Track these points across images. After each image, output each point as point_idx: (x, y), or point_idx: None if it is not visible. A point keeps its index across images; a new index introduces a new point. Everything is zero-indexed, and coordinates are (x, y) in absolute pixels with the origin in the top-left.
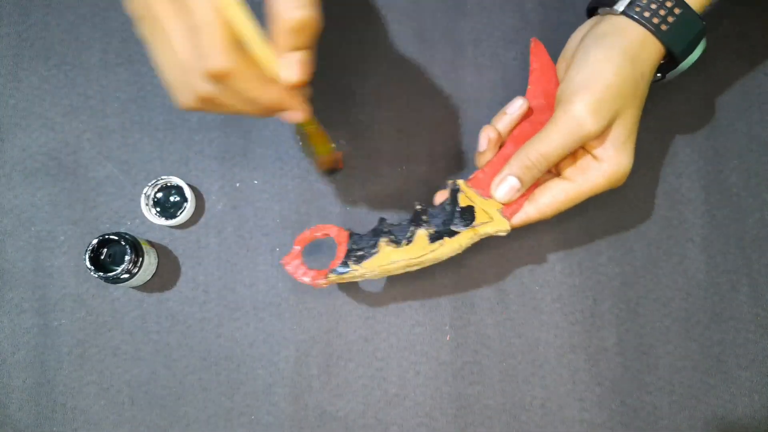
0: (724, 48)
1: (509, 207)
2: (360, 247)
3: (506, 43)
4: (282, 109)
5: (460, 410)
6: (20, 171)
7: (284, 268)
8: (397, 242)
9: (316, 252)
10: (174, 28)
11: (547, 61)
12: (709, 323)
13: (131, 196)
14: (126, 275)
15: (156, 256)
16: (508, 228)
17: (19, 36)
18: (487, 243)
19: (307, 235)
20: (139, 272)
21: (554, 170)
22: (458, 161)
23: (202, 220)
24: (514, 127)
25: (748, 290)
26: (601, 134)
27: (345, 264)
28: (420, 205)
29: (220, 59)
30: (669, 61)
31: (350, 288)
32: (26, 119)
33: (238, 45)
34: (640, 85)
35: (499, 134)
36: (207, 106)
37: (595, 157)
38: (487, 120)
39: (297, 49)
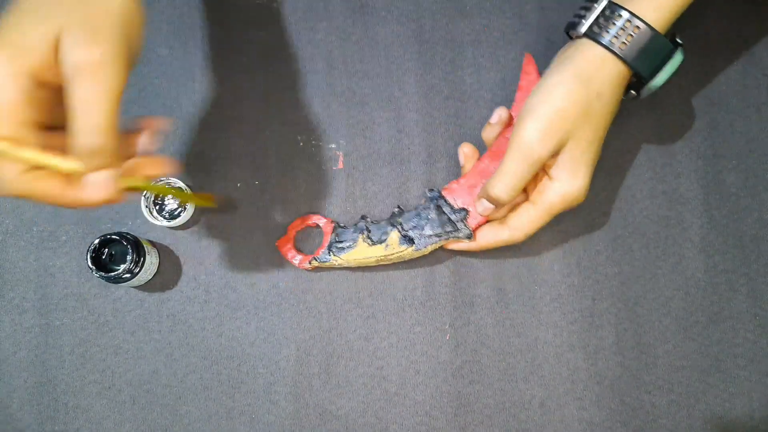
0: (723, 48)
1: (473, 218)
2: (341, 240)
3: (505, 44)
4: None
5: (459, 409)
6: None
7: (279, 249)
8: (372, 240)
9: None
10: None
11: (534, 79)
12: (707, 323)
13: (132, 195)
14: (128, 275)
15: (157, 255)
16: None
17: None
18: None
19: (299, 223)
20: (141, 272)
21: (524, 193)
22: (457, 161)
23: (203, 220)
24: (498, 136)
25: (746, 290)
26: (554, 156)
27: (327, 253)
28: (398, 207)
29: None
30: (639, 80)
31: (350, 287)
32: None
33: (33, 171)
34: (595, 105)
35: (475, 150)
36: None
37: (550, 177)
38: (486, 120)
39: (98, 169)
